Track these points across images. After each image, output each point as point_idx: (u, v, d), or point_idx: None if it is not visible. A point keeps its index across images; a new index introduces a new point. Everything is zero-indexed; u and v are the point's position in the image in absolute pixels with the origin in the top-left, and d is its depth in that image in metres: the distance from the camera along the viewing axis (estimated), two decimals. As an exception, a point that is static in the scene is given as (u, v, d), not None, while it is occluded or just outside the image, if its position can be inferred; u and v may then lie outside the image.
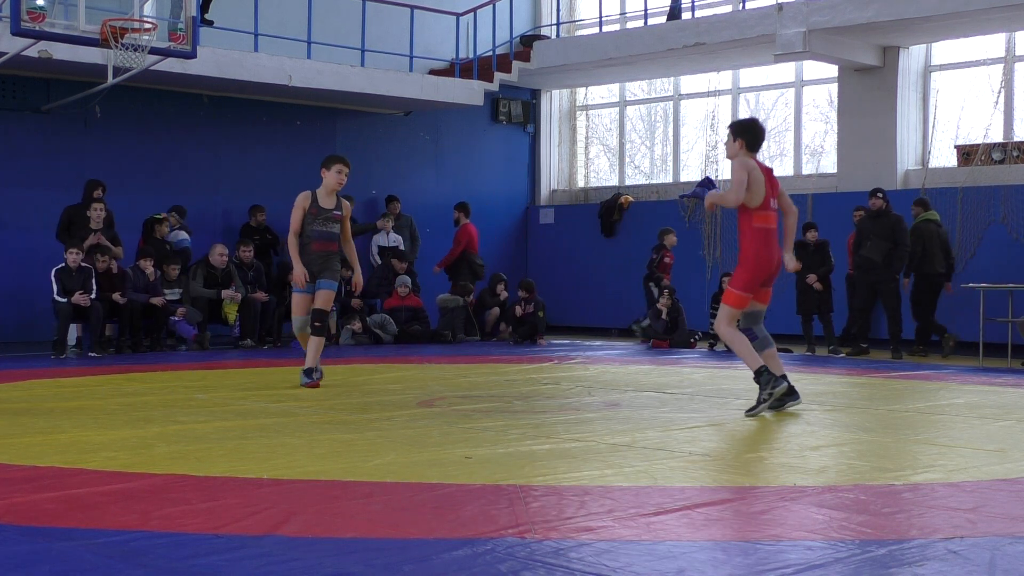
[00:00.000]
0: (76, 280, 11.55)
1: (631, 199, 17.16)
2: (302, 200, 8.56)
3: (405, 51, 15.77)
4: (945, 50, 14.82)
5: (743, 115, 16.63)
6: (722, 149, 14.82)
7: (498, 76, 16.43)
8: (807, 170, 16.08)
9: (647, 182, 17.88)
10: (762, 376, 7.14)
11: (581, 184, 18.62)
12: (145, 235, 13.22)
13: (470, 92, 15.95)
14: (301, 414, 7.04)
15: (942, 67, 14.85)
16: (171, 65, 12.34)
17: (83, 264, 11.68)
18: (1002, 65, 14.23)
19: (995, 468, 5.27)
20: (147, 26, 11.15)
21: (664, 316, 13.96)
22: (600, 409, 7.44)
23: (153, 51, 11.25)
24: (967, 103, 14.61)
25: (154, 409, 7.17)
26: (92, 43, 11.00)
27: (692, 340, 14.01)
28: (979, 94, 14.52)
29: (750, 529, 4.01)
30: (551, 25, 17.99)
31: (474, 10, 16.55)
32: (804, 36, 13.74)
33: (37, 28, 10.68)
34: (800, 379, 8.30)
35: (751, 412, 7.11)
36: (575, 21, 18.30)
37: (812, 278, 13.04)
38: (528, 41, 17.26)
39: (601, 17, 17.19)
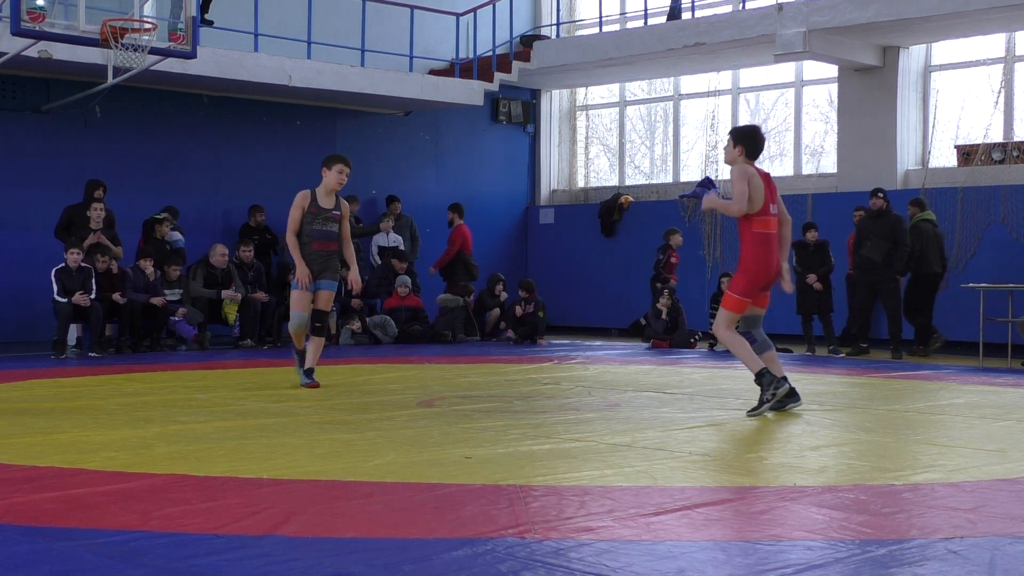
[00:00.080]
0: (76, 280, 11.55)
1: (631, 199, 17.16)
2: (301, 199, 8.53)
3: (405, 51, 15.77)
4: (945, 50, 14.82)
5: (743, 115, 16.65)
6: (722, 149, 14.81)
7: (498, 76, 16.44)
8: (807, 170, 16.08)
9: (647, 182, 17.88)
10: (764, 377, 7.14)
11: (581, 184, 18.62)
12: (145, 235, 13.22)
13: (470, 92, 15.95)
14: (301, 414, 7.04)
15: (942, 67, 14.85)
16: (171, 65, 12.34)
17: (83, 264, 11.68)
18: (1002, 65, 14.23)
19: (995, 468, 5.27)
20: (147, 26, 11.15)
21: (664, 316, 13.96)
22: (600, 409, 7.44)
23: (153, 51, 11.25)
24: (967, 103, 14.61)
25: (154, 409, 7.17)
26: (92, 43, 11.00)
27: (692, 340, 14.01)
28: (979, 94, 14.52)
29: (750, 529, 4.01)
30: (551, 25, 17.99)
31: (474, 10, 16.55)
32: (804, 36, 13.74)
33: (37, 28, 10.68)
34: (800, 379, 8.30)
35: (753, 413, 7.11)
36: (575, 21, 18.30)
37: (812, 278, 13.05)
38: (528, 41, 17.26)
39: (601, 17, 17.19)
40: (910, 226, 12.71)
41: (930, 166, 14.62)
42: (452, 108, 16.46)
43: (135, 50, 10.96)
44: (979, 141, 14.22)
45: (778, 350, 7.82)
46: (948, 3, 12.72)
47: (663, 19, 16.11)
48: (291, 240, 8.53)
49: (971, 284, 12.33)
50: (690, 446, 5.83)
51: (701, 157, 17.04)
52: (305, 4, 14.56)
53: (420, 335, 14.36)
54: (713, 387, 8.95)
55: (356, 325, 14.04)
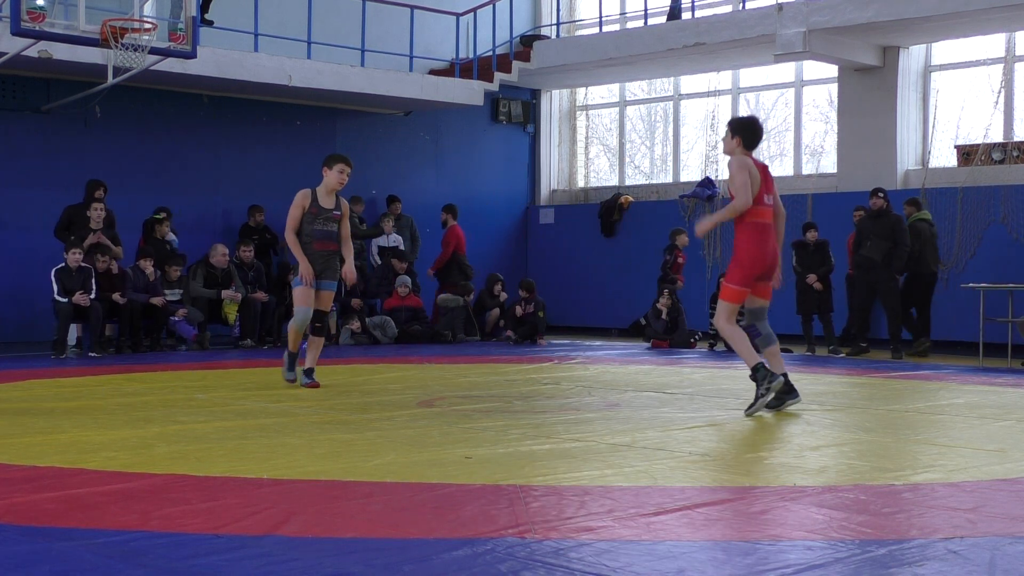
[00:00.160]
0: (76, 280, 11.55)
1: (631, 199, 17.16)
2: (301, 199, 8.50)
3: (405, 51, 15.77)
4: (945, 50, 14.82)
5: (743, 115, 16.64)
6: (722, 149, 14.82)
7: (498, 76, 16.44)
8: (807, 170, 16.08)
9: (647, 182, 17.88)
10: (758, 372, 7.15)
11: (581, 184, 18.62)
12: (145, 235, 13.22)
13: (470, 92, 15.95)
14: (301, 414, 7.04)
15: (942, 67, 14.85)
16: (171, 65, 12.34)
17: (83, 264, 11.68)
18: (1002, 65, 14.23)
19: (995, 468, 5.27)
20: (147, 26, 11.15)
21: (664, 316, 13.96)
22: (600, 409, 7.44)
23: (153, 51, 11.26)
24: (967, 103, 14.61)
25: (154, 409, 7.17)
26: (92, 43, 11.00)
27: (692, 340, 14.01)
28: (979, 94, 14.52)
29: (750, 529, 4.01)
30: (551, 25, 17.99)
31: (474, 10, 16.55)
32: (804, 36, 13.74)
33: (37, 28, 10.69)
34: (800, 379, 8.29)
35: (750, 411, 7.11)
36: (575, 21, 18.30)
37: (812, 278, 13.06)
38: (528, 41, 17.26)
39: (601, 17, 17.19)
40: (907, 226, 12.72)
41: (930, 166, 14.62)
42: (452, 108, 16.46)
43: (135, 50, 10.97)
44: (979, 141, 14.22)
45: (779, 350, 7.80)
46: (948, 3, 12.73)
47: (663, 19, 16.11)
48: (291, 238, 8.50)
49: (971, 284, 12.34)
50: (690, 446, 5.83)
51: (701, 157, 17.04)
52: (305, 4, 14.56)
53: (420, 335, 14.36)
54: (713, 387, 8.95)
55: (356, 325, 14.04)
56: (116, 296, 11.93)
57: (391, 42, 15.88)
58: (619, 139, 18.34)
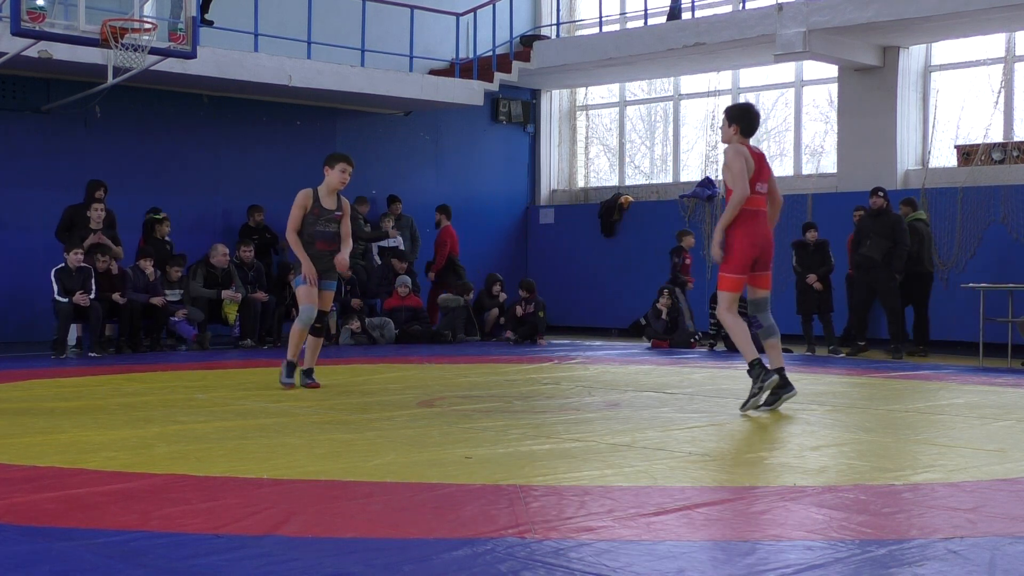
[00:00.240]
0: (76, 280, 11.55)
1: (631, 199, 17.15)
2: (303, 199, 8.45)
3: (405, 51, 15.77)
4: (945, 50, 14.82)
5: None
6: (722, 149, 14.82)
7: (498, 76, 16.44)
8: (807, 170, 16.08)
9: (647, 182, 17.88)
10: (754, 368, 7.18)
11: (581, 184, 18.62)
12: (145, 235, 13.22)
13: (470, 92, 15.95)
14: (301, 414, 7.04)
15: (942, 67, 14.85)
16: (171, 65, 12.34)
17: (83, 264, 11.68)
18: (1002, 65, 14.23)
19: (995, 468, 5.27)
20: (147, 26, 11.15)
21: (664, 316, 13.96)
22: (600, 409, 7.44)
23: (153, 51, 11.26)
24: (967, 103, 14.61)
25: (154, 409, 7.17)
26: (92, 43, 11.00)
27: (692, 340, 14.01)
28: (979, 94, 14.52)
29: (750, 529, 4.01)
30: (551, 25, 17.99)
31: (474, 10, 16.55)
32: (804, 36, 13.74)
33: (37, 28, 10.68)
34: (800, 379, 8.30)
35: (744, 407, 7.15)
36: (575, 21, 18.30)
37: (812, 278, 13.06)
38: (528, 41, 17.26)
39: (601, 17, 17.19)
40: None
41: (930, 166, 14.62)
42: (452, 108, 16.46)
43: (135, 50, 10.97)
44: (979, 141, 14.22)
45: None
46: (948, 3, 12.72)
47: (663, 19, 16.10)
48: (292, 238, 8.46)
49: (971, 284, 12.34)
50: (690, 446, 5.83)
51: (701, 157, 17.03)
52: (305, 4, 14.56)
53: (420, 335, 14.36)
54: (713, 387, 8.95)
55: (356, 325, 14.03)
56: (116, 296, 11.93)
57: (391, 42, 15.88)
58: (619, 139, 18.34)
